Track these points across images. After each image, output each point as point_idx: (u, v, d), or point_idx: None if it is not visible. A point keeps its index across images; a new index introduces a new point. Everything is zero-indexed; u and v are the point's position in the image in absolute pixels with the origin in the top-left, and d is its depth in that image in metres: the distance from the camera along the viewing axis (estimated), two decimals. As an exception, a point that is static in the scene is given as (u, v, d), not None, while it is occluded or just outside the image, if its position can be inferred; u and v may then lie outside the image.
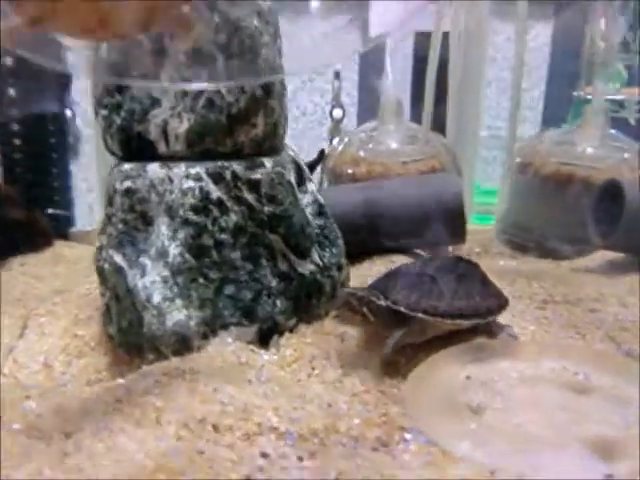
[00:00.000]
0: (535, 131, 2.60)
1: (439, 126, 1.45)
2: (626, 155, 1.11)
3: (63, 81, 1.21)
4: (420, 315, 0.66)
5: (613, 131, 1.20)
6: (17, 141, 1.24)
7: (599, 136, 1.14)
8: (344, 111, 2.28)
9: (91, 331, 0.81)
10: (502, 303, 0.74)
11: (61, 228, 1.29)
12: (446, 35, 1.40)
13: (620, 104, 2.11)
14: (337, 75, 2.36)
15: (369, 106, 1.56)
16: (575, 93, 1.88)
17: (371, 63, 1.62)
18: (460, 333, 0.70)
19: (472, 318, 0.69)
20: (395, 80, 1.27)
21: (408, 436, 0.53)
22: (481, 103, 1.46)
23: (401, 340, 0.66)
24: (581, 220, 1.04)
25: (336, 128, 2.56)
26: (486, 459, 0.49)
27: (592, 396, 0.58)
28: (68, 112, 1.33)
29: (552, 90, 2.60)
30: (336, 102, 2.32)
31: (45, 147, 1.25)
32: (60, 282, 1.02)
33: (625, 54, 1.98)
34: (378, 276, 0.78)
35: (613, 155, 1.11)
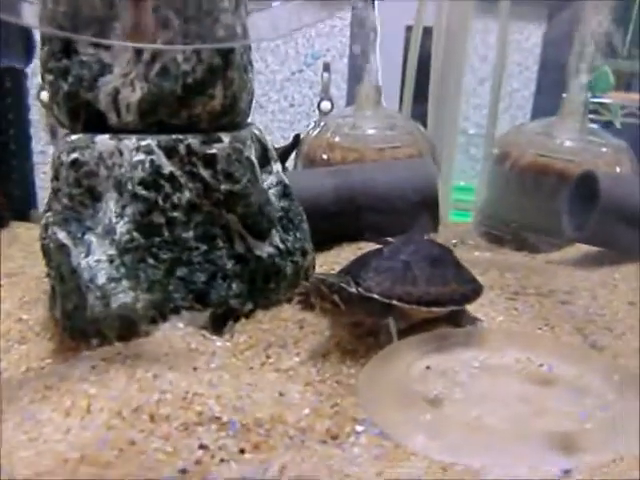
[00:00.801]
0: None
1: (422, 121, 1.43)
2: (604, 149, 1.08)
3: (25, 35, 1.13)
4: (395, 302, 0.62)
5: (594, 125, 1.17)
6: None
7: (577, 129, 1.11)
8: (332, 104, 2.26)
9: (37, 315, 0.76)
10: (477, 289, 0.70)
11: (20, 209, 1.23)
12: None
13: (607, 108, 2.11)
14: (326, 67, 2.33)
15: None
16: (564, 95, 1.86)
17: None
18: (426, 321, 0.67)
19: (448, 304, 0.66)
20: (382, 69, 1.24)
21: (359, 428, 0.50)
22: (460, 99, 1.44)
23: (394, 329, 0.62)
24: (557, 212, 1.02)
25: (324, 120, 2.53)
26: (440, 453, 0.45)
27: (555, 388, 0.55)
28: (44, 93, 1.25)
29: (542, 90, 2.60)
30: (325, 95, 2.29)
31: (3, 120, 1.18)
32: (11, 264, 0.97)
33: (613, 59, 1.97)
34: (348, 262, 0.74)
35: (591, 149, 1.09)
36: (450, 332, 0.64)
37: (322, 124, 1.19)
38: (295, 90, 2.44)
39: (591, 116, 2.12)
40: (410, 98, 1.43)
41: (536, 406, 0.52)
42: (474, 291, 0.70)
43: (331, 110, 2.25)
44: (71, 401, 0.51)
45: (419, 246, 0.71)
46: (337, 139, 1.14)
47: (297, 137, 1.20)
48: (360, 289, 0.63)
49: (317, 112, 2.35)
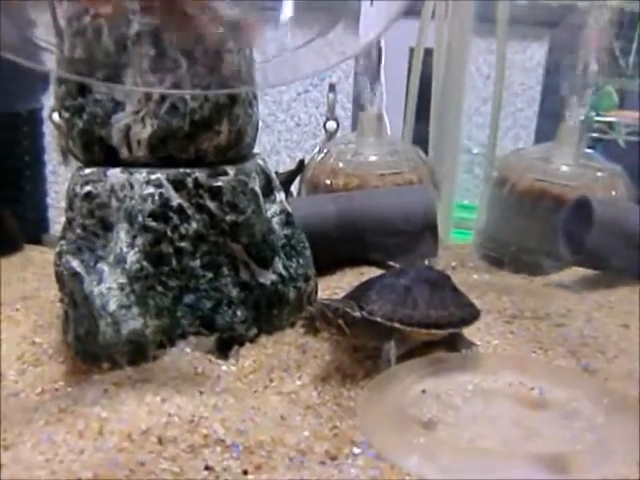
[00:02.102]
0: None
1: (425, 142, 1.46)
2: (599, 174, 1.11)
3: (41, 78, 1.19)
4: (396, 325, 0.65)
5: (589, 150, 1.20)
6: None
7: (574, 154, 1.14)
8: (338, 124, 2.29)
9: (50, 338, 0.79)
10: (475, 313, 0.73)
11: (33, 232, 1.27)
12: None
13: (610, 126, 2.14)
14: (332, 88, 2.37)
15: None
16: (568, 113, 1.89)
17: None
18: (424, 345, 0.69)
19: (447, 327, 0.69)
20: (387, 94, 1.27)
21: (357, 450, 0.52)
22: (460, 119, 1.47)
23: (393, 354, 0.65)
24: (554, 236, 1.04)
25: (329, 141, 2.57)
26: (434, 474, 0.48)
27: (546, 411, 0.57)
28: (56, 115, 1.30)
29: (545, 109, 2.64)
30: (330, 115, 2.33)
31: (18, 147, 1.23)
32: (25, 287, 1.01)
33: (617, 77, 2.01)
34: (351, 287, 0.77)
35: (587, 173, 1.12)
36: (446, 356, 0.67)
37: (326, 150, 1.23)
38: (301, 110, 2.49)
39: (595, 135, 2.16)
40: (412, 122, 1.46)
41: (527, 429, 0.55)
42: (472, 315, 0.73)
43: (337, 130, 2.29)
44: (84, 424, 0.54)
45: (419, 272, 0.74)
46: (340, 165, 1.18)
47: (301, 162, 1.24)
48: (363, 313, 0.66)
49: (323, 132, 2.39)
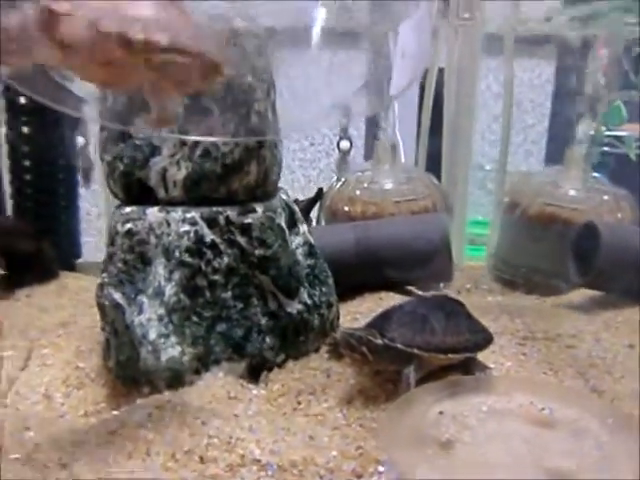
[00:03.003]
0: (539, 164, 2.68)
1: (438, 161, 1.51)
2: (605, 197, 1.16)
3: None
4: (416, 351, 0.70)
5: (596, 174, 1.25)
6: (27, 176, 1.31)
7: (581, 179, 1.19)
8: (351, 143, 2.34)
9: (91, 363, 0.85)
10: (488, 338, 0.78)
11: (67, 259, 1.34)
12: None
13: (620, 140, 2.17)
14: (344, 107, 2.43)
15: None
16: (578, 128, 1.94)
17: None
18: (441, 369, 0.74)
19: (463, 352, 0.74)
20: (399, 113, 1.32)
21: (381, 468, 0.57)
22: (472, 139, 1.52)
23: (413, 377, 0.70)
24: (564, 258, 1.09)
25: (343, 160, 2.64)
26: (451, 491, 0.53)
27: (555, 430, 0.61)
28: (81, 139, 1.38)
29: (555, 125, 2.68)
30: (343, 134, 2.38)
31: (54, 180, 1.31)
32: (64, 314, 1.07)
33: (627, 91, 2.05)
34: (371, 312, 0.83)
35: (593, 197, 1.16)
36: (461, 379, 0.72)
37: (343, 179, 1.29)
38: (315, 130, 2.55)
39: (606, 149, 2.20)
40: (425, 149, 1.51)
41: (537, 446, 0.59)
42: (485, 340, 0.78)
43: (350, 149, 2.34)
44: (133, 445, 0.59)
45: (435, 300, 0.80)
46: (357, 193, 1.24)
47: (320, 191, 1.29)
48: (385, 340, 0.71)
49: (336, 151, 2.45)
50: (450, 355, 0.73)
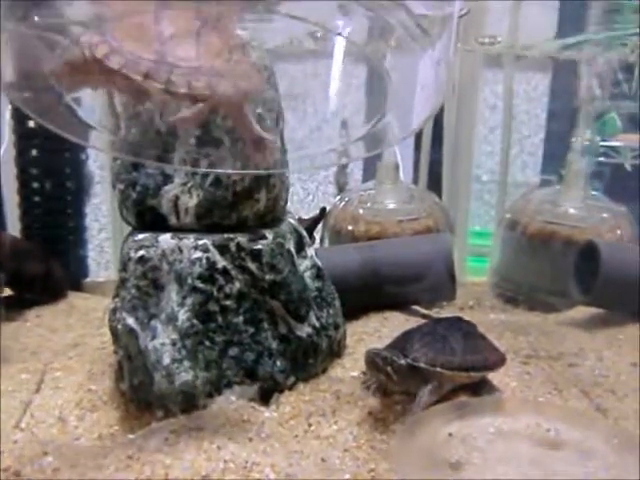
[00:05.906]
0: (536, 176, 2.71)
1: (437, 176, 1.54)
2: (604, 215, 1.18)
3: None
4: (439, 369, 0.73)
5: (595, 192, 1.28)
6: (36, 198, 1.33)
7: (581, 197, 1.21)
8: (350, 160, 2.36)
9: (104, 386, 0.87)
10: (502, 357, 0.81)
11: (75, 279, 1.36)
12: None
13: (616, 150, 2.21)
14: (344, 124, 2.46)
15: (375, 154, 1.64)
16: (573, 139, 1.98)
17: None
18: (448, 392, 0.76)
19: (482, 370, 0.77)
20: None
21: (394, 491, 0.59)
22: (472, 152, 1.54)
23: (429, 398, 0.72)
24: (565, 275, 1.11)
25: (341, 172, 2.67)
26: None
27: (561, 451, 0.63)
28: (82, 156, 1.40)
29: (551, 137, 2.72)
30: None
31: (63, 203, 1.34)
32: (73, 334, 1.09)
33: (622, 102, 2.09)
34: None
35: (593, 215, 1.19)
36: (469, 401, 0.74)
37: (347, 198, 1.31)
38: (314, 146, 2.58)
39: (601, 159, 2.23)
40: (426, 168, 1.54)
41: (544, 467, 0.61)
42: (501, 359, 0.81)
43: (348, 163, 2.36)
44: (151, 470, 0.61)
45: (451, 322, 0.84)
46: (361, 212, 1.26)
47: (323, 210, 1.31)
48: (409, 360, 0.73)
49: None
50: (472, 373, 0.75)
